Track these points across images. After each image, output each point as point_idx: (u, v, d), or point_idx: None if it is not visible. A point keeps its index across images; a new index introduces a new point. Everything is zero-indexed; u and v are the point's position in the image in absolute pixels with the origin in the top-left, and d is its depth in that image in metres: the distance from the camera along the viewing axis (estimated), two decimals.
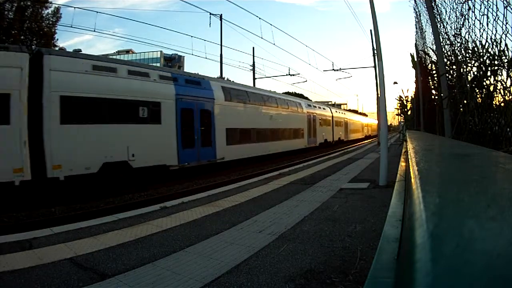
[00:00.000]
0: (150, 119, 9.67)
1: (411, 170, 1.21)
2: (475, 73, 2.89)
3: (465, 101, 3.25)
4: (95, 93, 8.41)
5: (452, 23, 3.39)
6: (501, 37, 2.08)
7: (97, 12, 19.03)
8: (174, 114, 10.38)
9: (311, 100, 28.82)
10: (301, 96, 32.48)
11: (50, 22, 22.63)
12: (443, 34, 3.96)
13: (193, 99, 11.18)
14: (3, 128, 6.91)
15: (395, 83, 36.52)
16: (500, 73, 2.32)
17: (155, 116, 9.81)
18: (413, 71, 14.71)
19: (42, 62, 7.64)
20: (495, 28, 2.12)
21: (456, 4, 3.08)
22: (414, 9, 8.00)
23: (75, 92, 8.03)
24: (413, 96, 18.14)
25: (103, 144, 8.47)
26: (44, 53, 7.91)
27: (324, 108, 25.83)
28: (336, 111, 29.27)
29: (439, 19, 4.09)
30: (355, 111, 48.11)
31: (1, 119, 6.91)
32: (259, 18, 21.55)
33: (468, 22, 2.69)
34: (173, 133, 10.36)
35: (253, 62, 23.30)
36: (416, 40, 9.97)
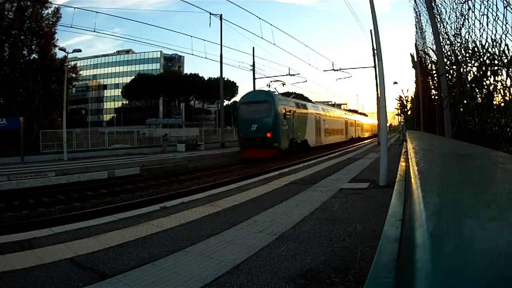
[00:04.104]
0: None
1: (411, 170, 1.21)
2: (475, 73, 2.89)
3: (465, 101, 3.25)
4: None
5: (452, 23, 3.39)
6: (501, 37, 2.08)
7: (97, 12, 19.10)
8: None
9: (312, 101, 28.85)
10: (300, 96, 32.45)
11: (50, 22, 22.66)
12: (443, 34, 3.96)
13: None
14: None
15: (395, 83, 36.37)
16: (500, 73, 2.32)
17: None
18: (413, 71, 14.74)
19: None
20: (495, 28, 2.12)
21: (456, 4, 3.08)
22: (414, 9, 8.00)
23: None
24: (413, 96, 18.17)
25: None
26: None
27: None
28: None
29: (439, 19, 4.09)
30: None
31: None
32: (259, 18, 21.54)
33: (468, 22, 2.69)
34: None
35: (253, 62, 23.45)
36: (416, 40, 9.98)
